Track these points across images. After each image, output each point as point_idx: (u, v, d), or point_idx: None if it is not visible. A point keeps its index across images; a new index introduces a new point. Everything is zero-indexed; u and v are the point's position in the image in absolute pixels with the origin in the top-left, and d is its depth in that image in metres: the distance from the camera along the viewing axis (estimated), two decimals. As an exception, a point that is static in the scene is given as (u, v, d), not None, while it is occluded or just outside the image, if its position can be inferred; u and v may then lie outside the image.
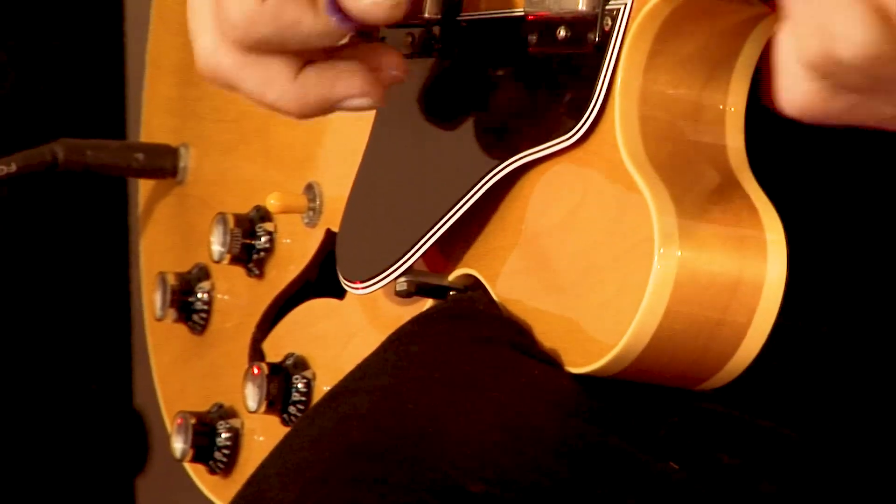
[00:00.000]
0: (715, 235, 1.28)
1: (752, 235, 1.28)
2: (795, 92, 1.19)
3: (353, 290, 1.52)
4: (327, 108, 1.46)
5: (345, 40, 1.47)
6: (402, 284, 1.45)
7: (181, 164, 1.74)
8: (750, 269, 1.28)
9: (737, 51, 1.32)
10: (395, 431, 1.34)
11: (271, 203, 1.60)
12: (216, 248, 1.63)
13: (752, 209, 1.29)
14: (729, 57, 1.33)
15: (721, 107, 1.32)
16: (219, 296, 1.70)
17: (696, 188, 1.30)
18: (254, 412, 1.59)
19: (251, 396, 1.57)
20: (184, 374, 1.76)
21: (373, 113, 1.58)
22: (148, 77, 1.88)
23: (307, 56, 1.45)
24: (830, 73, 1.18)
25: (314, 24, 1.40)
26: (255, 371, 1.58)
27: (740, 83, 1.32)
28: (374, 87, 1.44)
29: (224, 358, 1.70)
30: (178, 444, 1.67)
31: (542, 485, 1.32)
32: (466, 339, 1.41)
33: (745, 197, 1.30)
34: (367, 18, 1.40)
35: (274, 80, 1.44)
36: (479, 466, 1.31)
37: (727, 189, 1.31)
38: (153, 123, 1.86)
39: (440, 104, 1.50)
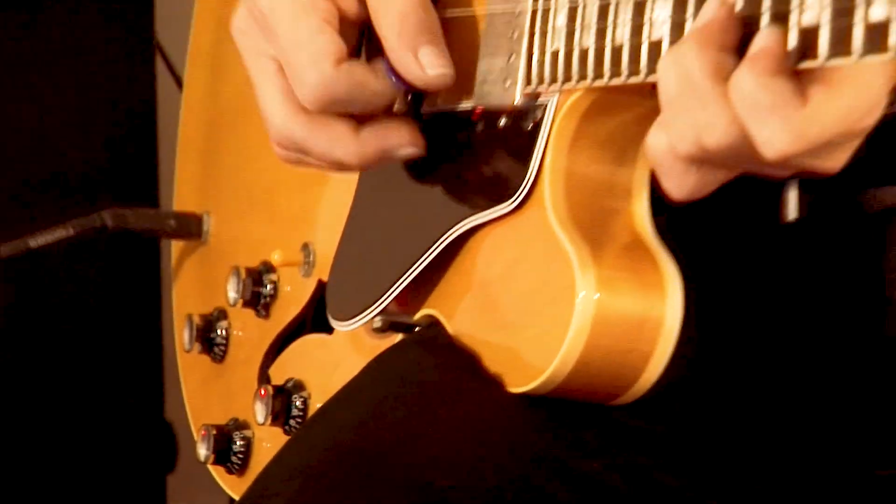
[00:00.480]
0: (625, 282, 1.27)
1: (654, 282, 1.27)
2: (680, 183, 1.17)
3: (339, 327, 1.51)
4: (384, 158, 1.41)
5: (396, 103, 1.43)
6: (377, 322, 1.45)
7: (205, 228, 1.72)
8: (653, 309, 1.27)
9: (640, 136, 1.25)
10: (377, 438, 1.33)
11: (275, 259, 1.60)
12: (232, 294, 1.62)
13: (654, 262, 1.28)
14: (634, 141, 1.30)
15: (629, 180, 1.30)
16: (234, 332, 1.70)
17: (609, 245, 1.29)
18: (262, 424, 1.59)
19: (260, 412, 1.56)
20: (207, 394, 1.76)
21: (355, 186, 1.55)
22: (179, 153, 1.85)
23: (363, 117, 1.39)
24: (704, 160, 1.15)
25: (377, 85, 1.36)
26: (263, 392, 1.58)
27: (644, 162, 1.30)
28: (418, 138, 1.40)
29: (238, 381, 1.69)
30: (202, 450, 1.67)
31: (497, 480, 1.31)
32: (431, 365, 1.39)
33: (649, 251, 1.29)
34: (417, 82, 1.37)
35: (340, 139, 1.38)
36: (447, 466, 1.30)
37: (634, 245, 1.30)
38: (183, 192, 1.84)
39: (408, 176, 1.46)
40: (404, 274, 1.42)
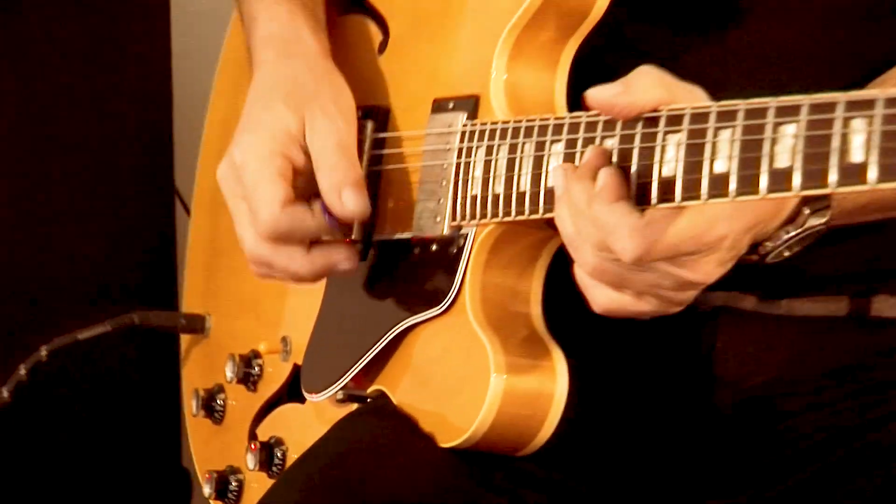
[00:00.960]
0: (525, 366, 1.24)
1: (547, 366, 1.25)
2: (593, 299, 1.15)
3: (311, 398, 1.44)
4: (329, 271, 1.38)
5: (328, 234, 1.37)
6: (339, 395, 1.40)
7: (207, 325, 1.65)
8: (545, 385, 1.25)
9: (536, 257, 1.28)
10: (341, 479, 1.31)
11: (261, 348, 1.53)
12: (229, 374, 1.55)
13: (547, 350, 1.25)
14: (532, 261, 1.29)
15: (528, 290, 1.27)
16: (230, 402, 1.62)
17: (514, 338, 1.26)
18: (252, 470, 1.52)
19: (250, 461, 1.49)
20: (209, 447, 1.68)
21: (322, 293, 1.48)
22: (188, 267, 1.79)
23: (311, 241, 1.36)
24: (603, 278, 1.13)
25: (312, 221, 1.33)
26: (253, 447, 1.50)
27: (539, 275, 1.28)
28: (354, 258, 1.36)
29: (233, 438, 1.61)
30: (207, 489, 1.59)
31: None
32: (380, 427, 1.35)
33: (543, 342, 1.26)
34: (346, 218, 1.32)
35: (294, 259, 1.35)
36: (391, 499, 1.29)
37: (532, 338, 1.27)
38: (190, 296, 1.77)
39: (364, 284, 1.41)
40: (359, 360, 1.37)
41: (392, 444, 1.33)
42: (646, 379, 1.37)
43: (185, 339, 1.74)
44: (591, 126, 1.13)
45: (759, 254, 1.14)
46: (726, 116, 1.00)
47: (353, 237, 1.35)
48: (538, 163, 1.16)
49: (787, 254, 1.14)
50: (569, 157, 1.14)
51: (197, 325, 1.67)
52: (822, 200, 1.10)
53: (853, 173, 0.89)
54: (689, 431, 1.36)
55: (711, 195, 1.00)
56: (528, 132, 1.19)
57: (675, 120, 1.04)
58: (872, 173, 0.87)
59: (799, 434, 1.32)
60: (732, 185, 0.98)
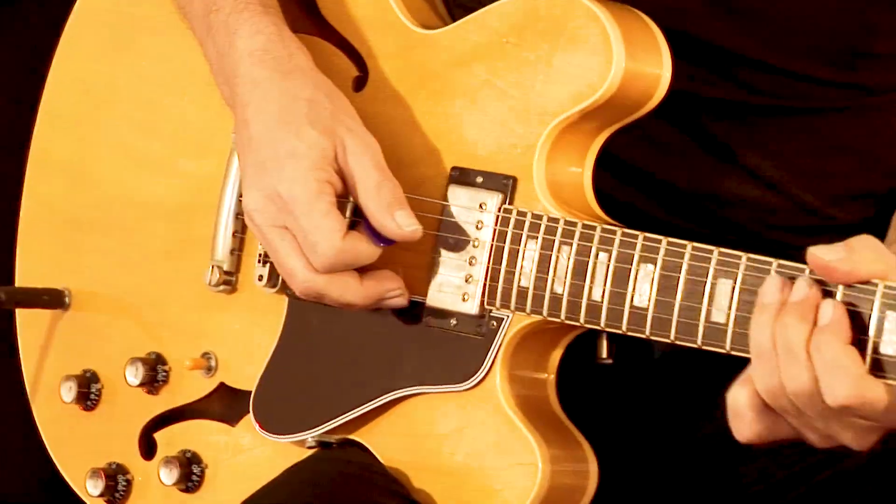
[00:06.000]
0: (563, 457, 1.27)
1: (580, 455, 1.29)
2: (750, 428, 1.14)
3: (268, 436, 1.41)
4: (381, 302, 1.39)
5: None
6: (310, 442, 1.38)
7: (66, 301, 1.55)
8: (580, 479, 1.29)
9: (555, 345, 1.32)
10: None
11: (167, 354, 1.47)
12: (130, 377, 1.48)
13: (578, 443, 1.30)
14: (550, 348, 1.32)
15: (546, 377, 1.32)
16: (106, 393, 1.55)
17: (546, 427, 1.29)
18: (167, 485, 1.47)
19: (167, 477, 1.45)
20: (78, 438, 1.60)
21: (259, 313, 1.46)
22: (26, 228, 1.64)
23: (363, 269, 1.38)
24: (778, 407, 1.13)
25: (368, 248, 1.34)
26: (169, 461, 1.48)
27: (556, 363, 1.32)
28: (406, 292, 1.38)
29: (114, 434, 1.56)
30: (94, 489, 1.55)
31: None
32: (340, 473, 1.38)
33: (567, 429, 1.31)
34: (398, 238, 1.33)
35: (349, 288, 1.35)
36: None
37: (559, 426, 1.32)
38: (33, 266, 1.63)
39: (354, 334, 1.45)
40: (346, 413, 1.35)
41: (350, 488, 1.38)
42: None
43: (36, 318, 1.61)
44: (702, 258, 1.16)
45: None
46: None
47: None
48: (622, 278, 1.18)
49: None
50: (664, 279, 1.17)
51: (58, 301, 1.56)
52: None
53: None
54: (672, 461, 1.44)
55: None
56: (606, 241, 1.21)
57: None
58: None
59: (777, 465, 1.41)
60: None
